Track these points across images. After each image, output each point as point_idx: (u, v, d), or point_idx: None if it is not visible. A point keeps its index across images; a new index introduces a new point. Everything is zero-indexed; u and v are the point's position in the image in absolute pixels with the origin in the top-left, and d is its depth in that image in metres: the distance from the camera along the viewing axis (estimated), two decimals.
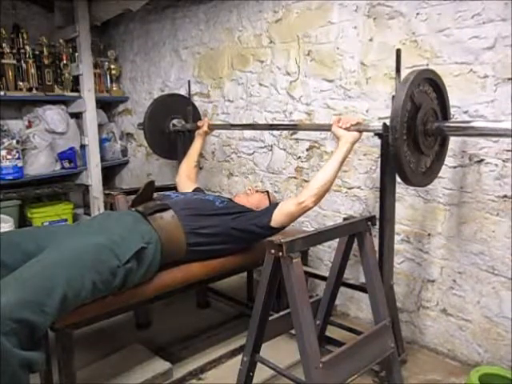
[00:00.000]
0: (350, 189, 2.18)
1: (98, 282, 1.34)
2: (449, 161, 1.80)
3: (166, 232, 1.63)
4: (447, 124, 1.48)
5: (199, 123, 2.42)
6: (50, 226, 1.69)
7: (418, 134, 1.43)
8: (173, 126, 2.60)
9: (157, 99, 2.68)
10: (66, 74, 3.16)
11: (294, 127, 2.25)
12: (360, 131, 1.68)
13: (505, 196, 1.67)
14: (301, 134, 2.35)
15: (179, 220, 1.68)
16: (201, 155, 2.98)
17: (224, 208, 1.83)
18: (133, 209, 1.72)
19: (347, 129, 1.67)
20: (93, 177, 3.31)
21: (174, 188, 2.35)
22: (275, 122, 2.46)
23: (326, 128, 1.82)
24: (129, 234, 1.53)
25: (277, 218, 1.73)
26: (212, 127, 2.41)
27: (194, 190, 2.15)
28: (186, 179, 2.28)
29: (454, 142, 1.77)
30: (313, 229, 2.28)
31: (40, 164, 3.10)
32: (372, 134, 1.73)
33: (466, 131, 1.48)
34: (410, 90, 1.36)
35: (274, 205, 1.81)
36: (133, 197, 1.82)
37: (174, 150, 2.59)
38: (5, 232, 1.61)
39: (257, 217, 1.78)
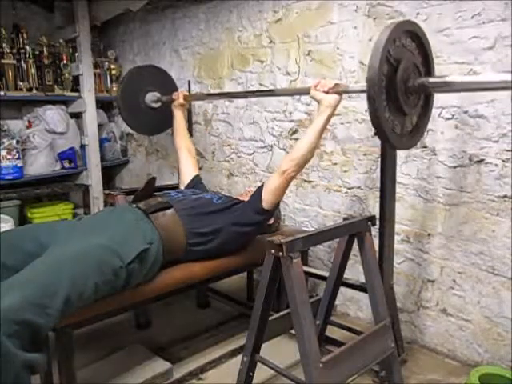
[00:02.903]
0: (349, 189, 2.18)
1: (100, 283, 1.34)
2: (449, 161, 1.80)
3: (168, 231, 1.63)
4: (431, 80, 1.35)
5: (174, 95, 2.34)
6: (50, 224, 1.67)
7: (399, 94, 1.30)
8: (150, 100, 2.50)
9: (129, 72, 2.57)
10: (65, 74, 3.16)
11: (270, 93, 2.15)
12: (339, 93, 1.62)
13: (505, 196, 1.67)
14: (301, 134, 2.35)
15: (180, 219, 1.68)
16: (201, 155, 2.98)
17: (222, 203, 1.83)
18: (134, 205, 1.72)
19: (326, 92, 1.61)
20: (93, 177, 3.31)
21: (173, 188, 2.35)
22: (275, 123, 2.47)
23: (305, 92, 1.75)
24: (131, 233, 1.53)
25: (266, 198, 1.74)
26: (188, 98, 2.34)
27: (193, 180, 2.15)
28: (187, 154, 2.24)
29: (453, 142, 1.78)
30: (313, 229, 2.28)
31: (40, 164, 3.10)
32: (372, 133, 1.72)
33: (451, 86, 1.35)
34: (384, 52, 1.22)
35: (260, 187, 1.80)
36: (133, 197, 1.82)
37: (151, 125, 2.55)
38: (5, 231, 1.60)
39: (251, 204, 1.79)
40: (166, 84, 2.59)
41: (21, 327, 1.08)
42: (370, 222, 1.51)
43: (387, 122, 1.28)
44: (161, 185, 2.49)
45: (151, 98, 2.51)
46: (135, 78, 2.49)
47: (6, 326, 1.05)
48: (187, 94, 2.38)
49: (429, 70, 1.45)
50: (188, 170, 2.20)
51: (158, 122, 2.56)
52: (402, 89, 1.30)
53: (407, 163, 1.94)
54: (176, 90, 2.55)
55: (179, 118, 2.35)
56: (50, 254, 1.35)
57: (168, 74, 2.69)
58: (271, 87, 2.47)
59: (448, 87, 1.35)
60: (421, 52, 1.42)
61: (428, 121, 1.59)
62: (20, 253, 1.41)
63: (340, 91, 1.62)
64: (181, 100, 2.30)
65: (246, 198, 1.96)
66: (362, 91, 1.33)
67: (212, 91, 2.83)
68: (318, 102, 1.65)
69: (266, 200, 1.74)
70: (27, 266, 1.28)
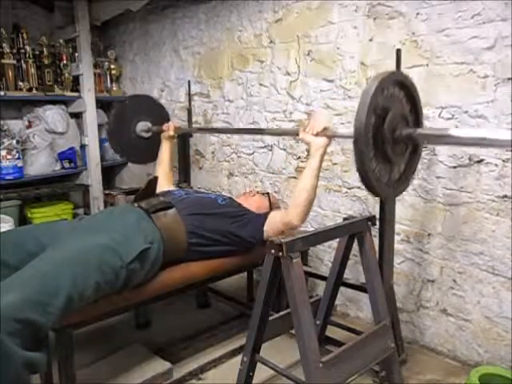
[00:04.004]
0: (350, 189, 2.18)
1: (101, 282, 1.34)
2: (449, 161, 1.80)
3: (169, 231, 1.63)
4: (419, 132, 1.29)
5: (164, 127, 2.30)
6: (51, 224, 1.68)
7: (386, 145, 1.26)
8: (140, 129, 2.51)
9: (123, 101, 2.60)
10: (65, 74, 3.17)
11: (259, 131, 2.10)
12: (328, 137, 1.61)
13: (505, 196, 1.67)
14: None
15: (181, 219, 1.68)
16: (201, 155, 2.98)
17: (226, 206, 1.83)
18: (135, 204, 1.72)
19: (315, 135, 1.60)
20: (93, 177, 3.31)
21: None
22: (275, 123, 2.47)
23: (293, 133, 1.71)
24: (132, 233, 1.53)
25: (267, 233, 1.74)
26: (178, 130, 2.32)
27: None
28: (164, 185, 2.13)
29: None
30: (313, 229, 2.28)
31: (40, 164, 3.10)
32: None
33: (439, 140, 1.30)
34: (372, 102, 1.19)
35: (263, 218, 1.78)
36: (133, 197, 1.82)
37: (141, 154, 2.54)
38: (5, 231, 1.61)
39: (252, 228, 1.77)
40: (158, 113, 2.59)
41: (21, 326, 1.08)
42: (369, 222, 1.51)
43: (374, 172, 1.24)
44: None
45: (142, 127, 2.50)
46: (126, 109, 2.50)
47: (7, 325, 1.05)
48: (178, 126, 2.34)
49: (417, 118, 1.40)
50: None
51: (149, 151, 2.49)
52: (389, 139, 1.26)
53: None
54: (168, 120, 2.56)
55: (166, 149, 2.29)
56: (51, 254, 1.35)
57: (160, 103, 2.70)
58: (271, 87, 2.47)
59: (436, 140, 1.32)
60: (409, 100, 1.39)
61: (416, 168, 1.51)
62: (21, 252, 1.41)
63: (329, 135, 1.61)
64: (171, 132, 2.27)
65: (247, 202, 1.96)
66: (351, 137, 1.27)
67: (212, 91, 2.84)
68: (308, 144, 1.65)
69: (267, 235, 1.74)
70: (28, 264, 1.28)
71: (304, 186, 1.64)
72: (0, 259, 1.36)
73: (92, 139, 3.28)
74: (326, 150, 1.65)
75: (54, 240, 1.47)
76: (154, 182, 1.81)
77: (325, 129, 1.61)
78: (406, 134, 1.28)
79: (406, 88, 1.35)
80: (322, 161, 1.64)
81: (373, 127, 1.21)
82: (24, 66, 2.98)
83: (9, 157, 2.85)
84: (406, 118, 1.33)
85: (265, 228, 1.75)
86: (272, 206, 2.07)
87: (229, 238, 1.75)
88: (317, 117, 2.06)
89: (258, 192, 2.08)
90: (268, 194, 2.08)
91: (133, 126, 2.51)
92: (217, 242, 1.74)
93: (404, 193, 1.94)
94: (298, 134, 1.67)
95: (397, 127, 1.28)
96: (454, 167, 1.79)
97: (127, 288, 1.47)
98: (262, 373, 1.54)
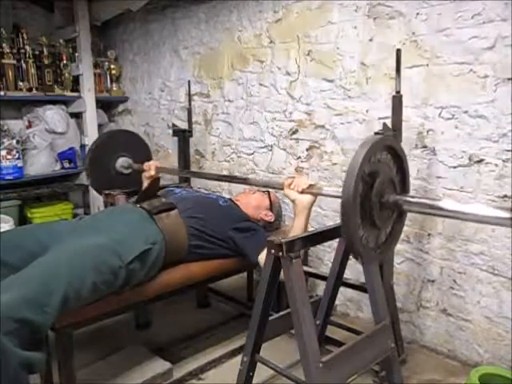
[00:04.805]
0: None
1: (99, 282, 1.34)
2: (449, 161, 1.80)
3: (171, 232, 1.63)
4: (405, 199, 1.26)
5: (145, 166, 2.13)
6: (51, 223, 1.67)
7: (373, 208, 1.22)
8: (120, 165, 2.41)
9: (103, 135, 2.54)
10: (66, 73, 3.17)
11: (243, 181, 1.91)
12: (314, 194, 1.55)
13: (505, 196, 1.67)
14: (301, 134, 2.35)
15: (183, 220, 1.68)
16: (201, 155, 2.98)
17: (226, 208, 1.82)
18: (138, 205, 1.72)
19: (301, 192, 1.53)
20: None
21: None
22: (275, 123, 2.47)
23: (278, 186, 1.66)
24: (133, 233, 1.53)
25: (261, 260, 1.62)
26: (160, 170, 2.13)
27: None
28: None
29: (453, 142, 1.78)
30: (313, 229, 2.28)
31: (40, 164, 3.11)
32: (372, 133, 1.72)
33: (425, 209, 1.24)
34: (360, 173, 1.14)
35: (262, 244, 1.61)
36: (132, 197, 1.82)
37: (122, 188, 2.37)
38: (6, 231, 1.61)
39: (250, 246, 1.71)
40: (140, 150, 2.52)
41: (19, 325, 1.08)
42: None
43: (361, 240, 1.21)
44: (162, 184, 2.48)
45: (122, 163, 2.42)
46: (107, 143, 2.42)
47: (4, 324, 1.05)
48: (159, 165, 2.15)
49: (404, 188, 1.36)
50: None
51: (128, 186, 2.39)
52: (375, 202, 1.22)
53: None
54: (150, 157, 2.49)
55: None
56: (49, 254, 1.35)
57: (143, 140, 2.64)
58: (271, 87, 2.47)
59: (421, 208, 1.25)
60: (398, 170, 1.34)
61: (396, 242, 1.43)
62: (21, 252, 1.41)
63: (314, 193, 1.54)
64: (152, 172, 2.08)
65: (247, 200, 1.96)
66: (338, 196, 1.23)
67: (212, 91, 2.83)
68: (292, 201, 1.58)
69: (261, 258, 1.62)
70: (28, 265, 1.28)
71: None
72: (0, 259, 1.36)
73: (92, 139, 3.25)
74: (312, 207, 1.58)
75: (54, 240, 1.47)
76: (155, 183, 1.81)
77: (310, 185, 1.54)
78: (393, 201, 1.24)
79: (395, 152, 1.30)
80: (308, 220, 1.58)
81: (361, 196, 1.17)
82: (24, 66, 2.98)
83: (9, 157, 2.85)
84: (393, 183, 1.28)
85: (260, 257, 1.64)
86: (272, 205, 2.07)
87: (228, 244, 1.76)
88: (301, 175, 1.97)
89: (258, 190, 2.08)
90: (268, 192, 2.08)
91: (113, 161, 2.41)
92: (217, 246, 1.75)
93: None
94: (282, 188, 1.59)
95: (385, 192, 1.24)
96: (454, 167, 1.79)
97: (126, 288, 1.47)
98: (262, 373, 1.54)
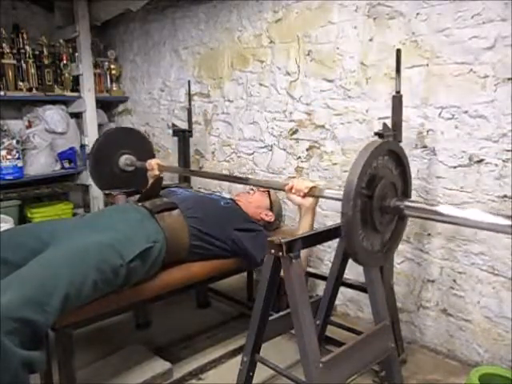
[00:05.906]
0: None
1: (99, 281, 1.34)
2: (449, 161, 1.80)
3: (172, 231, 1.63)
4: (406, 203, 1.26)
5: (147, 165, 2.21)
6: (52, 221, 1.67)
7: (374, 212, 1.22)
8: (123, 163, 2.46)
9: (106, 132, 2.56)
10: (65, 74, 3.17)
11: (245, 182, 1.97)
12: (316, 197, 1.57)
13: (505, 196, 1.67)
14: (301, 134, 2.35)
15: (185, 220, 1.68)
16: (201, 155, 2.98)
17: (228, 208, 1.82)
18: (139, 204, 1.72)
19: (303, 196, 1.55)
20: None
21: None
22: (275, 123, 2.47)
23: (279, 187, 1.69)
24: (134, 232, 1.53)
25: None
26: (162, 168, 2.20)
27: None
28: None
29: (453, 142, 1.78)
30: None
31: (40, 164, 3.11)
32: (372, 133, 1.73)
33: (426, 214, 1.25)
34: (359, 185, 1.18)
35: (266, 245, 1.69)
36: (132, 196, 1.82)
37: (124, 186, 2.44)
38: (7, 229, 1.61)
39: (255, 246, 1.72)
40: (143, 148, 2.55)
41: (19, 325, 1.08)
42: None
43: (362, 244, 1.21)
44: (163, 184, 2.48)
45: (125, 160, 2.46)
46: (111, 140, 2.46)
47: (5, 324, 1.05)
48: (161, 163, 2.23)
49: (406, 193, 1.36)
50: None
51: (132, 184, 2.45)
52: (377, 206, 1.22)
53: None
54: (153, 155, 2.53)
55: None
56: (49, 252, 1.35)
57: (147, 138, 2.66)
58: (271, 87, 2.47)
59: (421, 213, 1.26)
60: (400, 174, 1.34)
61: (397, 247, 1.41)
62: (22, 250, 1.41)
63: (315, 196, 1.56)
64: (156, 172, 2.16)
65: (247, 200, 1.96)
66: (338, 199, 1.23)
67: (212, 91, 2.84)
68: (296, 205, 1.62)
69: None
70: (28, 263, 1.28)
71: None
72: (0, 257, 1.36)
73: (92, 139, 3.26)
74: (316, 206, 1.62)
75: (54, 237, 1.47)
76: (158, 182, 1.81)
77: (312, 188, 1.55)
78: (394, 205, 1.25)
79: (397, 156, 1.30)
80: (313, 218, 1.62)
81: (362, 203, 1.18)
82: (24, 65, 2.98)
83: (9, 157, 2.85)
84: (395, 187, 1.28)
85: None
86: (272, 204, 2.07)
87: (228, 244, 1.76)
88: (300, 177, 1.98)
89: (258, 189, 2.08)
90: (268, 191, 2.08)
91: (116, 158, 2.45)
92: (217, 246, 1.75)
93: None
94: (283, 190, 1.62)
95: (386, 196, 1.24)
96: (454, 167, 1.79)
97: (126, 287, 1.47)
98: (262, 373, 1.54)
